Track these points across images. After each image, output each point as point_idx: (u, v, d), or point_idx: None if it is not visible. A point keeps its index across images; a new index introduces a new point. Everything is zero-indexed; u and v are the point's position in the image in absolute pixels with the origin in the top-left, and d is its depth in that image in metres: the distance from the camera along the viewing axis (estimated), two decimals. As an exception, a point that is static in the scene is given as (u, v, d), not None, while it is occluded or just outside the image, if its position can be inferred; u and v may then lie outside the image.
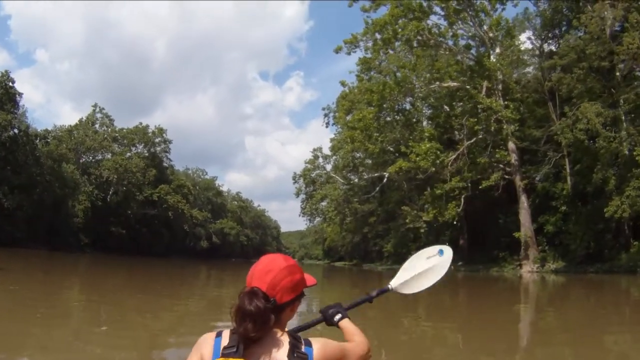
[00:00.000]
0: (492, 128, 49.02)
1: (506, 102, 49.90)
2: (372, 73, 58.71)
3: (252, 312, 2.41)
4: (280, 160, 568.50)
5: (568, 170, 49.01)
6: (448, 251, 4.07)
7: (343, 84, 69.61)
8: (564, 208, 48.77)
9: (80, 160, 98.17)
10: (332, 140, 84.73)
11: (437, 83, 52.53)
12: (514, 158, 50.11)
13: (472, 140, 50.82)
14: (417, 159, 49.24)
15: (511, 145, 50.08)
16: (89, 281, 32.94)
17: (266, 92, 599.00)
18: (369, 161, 72.70)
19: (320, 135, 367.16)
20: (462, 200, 50.40)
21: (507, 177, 50.23)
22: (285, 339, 2.50)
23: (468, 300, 28.32)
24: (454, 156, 50.53)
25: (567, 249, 48.41)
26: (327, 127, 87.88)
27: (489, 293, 33.43)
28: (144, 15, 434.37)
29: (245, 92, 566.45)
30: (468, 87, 50.54)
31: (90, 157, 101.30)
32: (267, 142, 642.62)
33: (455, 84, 52.15)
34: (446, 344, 13.49)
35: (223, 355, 2.40)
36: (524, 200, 49.83)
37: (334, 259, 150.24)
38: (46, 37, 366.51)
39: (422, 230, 54.36)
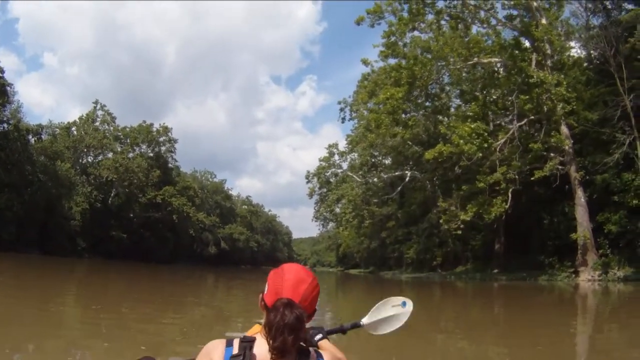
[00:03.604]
0: (545, 108, 42.05)
1: (557, 80, 42.62)
2: (396, 60, 52.16)
3: (293, 323, 2.43)
4: (292, 166, 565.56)
5: (640, 155, 41.11)
6: (409, 305, 4.35)
7: (365, 62, 62.45)
8: (635, 202, 40.57)
9: (81, 160, 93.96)
10: (348, 136, 78.32)
11: (476, 58, 45.74)
12: (568, 145, 42.79)
13: (523, 122, 43.53)
14: (461, 142, 42.14)
15: (565, 130, 42.62)
16: (87, 288, 30.94)
17: (278, 96, 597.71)
18: (388, 161, 67.65)
19: (334, 140, 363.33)
20: (510, 195, 43.13)
21: (560, 167, 42.83)
22: (294, 351, 2.51)
23: (514, 313, 24.36)
24: (503, 139, 43.31)
25: (635, 252, 40.71)
26: (342, 122, 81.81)
27: (539, 305, 28.49)
28: (153, 18, 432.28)
29: (256, 96, 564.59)
30: (510, 62, 43.73)
31: (91, 157, 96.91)
32: (279, 148, 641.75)
33: (496, 59, 45.61)
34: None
35: None
36: (580, 195, 41.77)
37: (348, 267, 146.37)
38: (54, 40, 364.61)
39: (458, 232, 47.03)
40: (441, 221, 48.59)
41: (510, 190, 42.77)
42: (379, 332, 4.24)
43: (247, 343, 2.48)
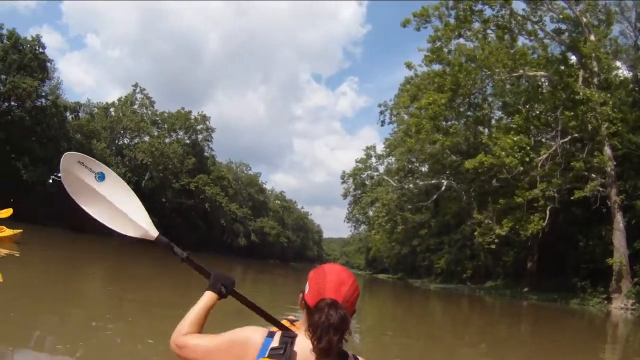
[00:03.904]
0: (590, 127, 40.76)
1: (603, 99, 41.25)
2: (440, 66, 51.24)
3: (338, 324, 2.39)
4: (329, 165, 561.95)
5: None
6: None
7: (409, 66, 61.27)
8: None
9: (117, 142, 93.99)
10: (386, 140, 77.21)
11: (521, 70, 44.72)
12: (610, 167, 41.43)
13: (566, 139, 42.31)
14: (503, 154, 41.13)
15: (607, 151, 41.44)
16: (115, 267, 32.28)
17: (318, 95, 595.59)
18: (425, 168, 66.75)
19: (372, 143, 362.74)
20: (548, 213, 41.93)
21: (601, 189, 41.42)
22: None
23: (541, 334, 22.91)
24: (545, 155, 42.11)
25: (673, 283, 39.51)
26: (382, 125, 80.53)
27: (568, 329, 27.50)
28: (197, 7, 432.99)
29: (296, 93, 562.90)
30: (556, 77, 42.71)
31: (127, 139, 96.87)
32: (317, 146, 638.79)
33: (542, 73, 44.49)
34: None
35: (270, 356, 2.39)
36: (619, 220, 40.51)
37: (376, 271, 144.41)
38: (98, 22, 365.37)
39: (492, 246, 45.97)
40: (476, 234, 47.66)
41: (549, 208, 41.62)
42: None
43: (289, 338, 2.46)
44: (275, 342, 2.44)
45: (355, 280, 2.58)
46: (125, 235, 3.42)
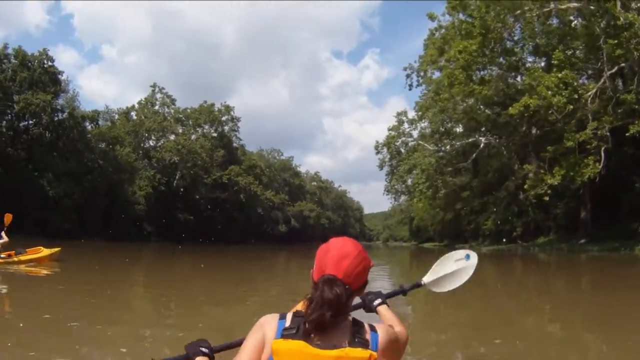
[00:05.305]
0: (636, 54, 37.06)
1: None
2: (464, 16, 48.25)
3: (331, 300, 2.43)
4: (360, 141, 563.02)
5: None
6: (474, 257, 4.38)
7: (432, 17, 57.71)
8: None
9: (143, 145, 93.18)
10: (417, 103, 74.05)
11: (553, 4, 41.67)
12: (662, 97, 37.71)
13: (613, 70, 38.80)
14: (549, 93, 37.81)
15: (657, 81, 37.97)
16: (155, 270, 31.20)
17: (341, 71, 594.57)
18: (459, 128, 63.88)
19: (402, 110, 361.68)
20: (603, 154, 38.85)
21: (655, 123, 37.76)
22: (347, 324, 2.49)
23: (603, 287, 21.07)
24: (594, 89, 38.77)
25: None
26: (410, 89, 76.70)
27: (630, 278, 25.60)
28: (208, 3, 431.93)
29: (319, 72, 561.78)
30: (592, 6, 39.20)
31: (153, 140, 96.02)
32: (346, 123, 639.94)
33: (575, 4, 41.18)
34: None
35: (283, 337, 2.43)
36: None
37: (422, 240, 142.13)
38: (110, 33, 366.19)
39: (545, 199, 43.02)
40: (525, 187, 44.76)
41: (603, 148, 38.42)
42: (442, 289, 4.27)
43: (301, 318, 2.46)
44: (287, 323, 2.45)
45: (361, 253, 2.56)
46: None
